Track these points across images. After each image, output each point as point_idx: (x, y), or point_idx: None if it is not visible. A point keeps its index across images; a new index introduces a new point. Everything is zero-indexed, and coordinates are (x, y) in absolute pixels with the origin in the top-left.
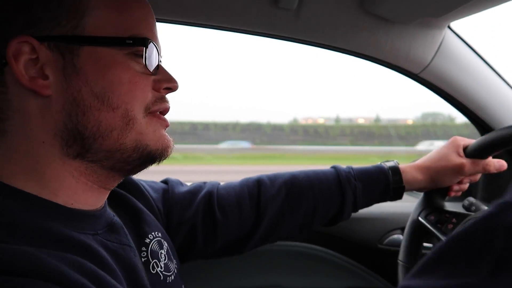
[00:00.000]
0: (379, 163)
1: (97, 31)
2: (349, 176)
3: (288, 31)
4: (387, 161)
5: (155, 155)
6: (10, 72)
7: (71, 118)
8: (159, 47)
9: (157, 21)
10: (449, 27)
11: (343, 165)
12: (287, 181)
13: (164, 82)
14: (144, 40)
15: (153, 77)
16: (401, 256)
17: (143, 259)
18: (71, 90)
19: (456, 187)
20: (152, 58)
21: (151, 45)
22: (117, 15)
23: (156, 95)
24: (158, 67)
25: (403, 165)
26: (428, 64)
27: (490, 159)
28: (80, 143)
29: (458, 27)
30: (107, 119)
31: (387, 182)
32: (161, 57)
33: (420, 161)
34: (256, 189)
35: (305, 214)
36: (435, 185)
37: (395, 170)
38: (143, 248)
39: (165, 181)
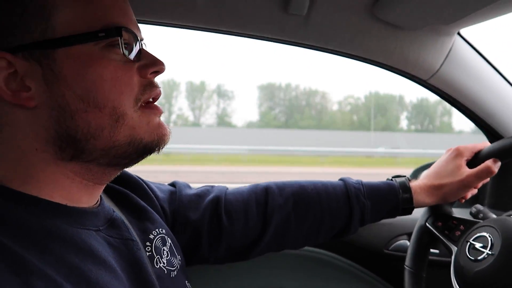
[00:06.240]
0: (390, 178)
1: (67, 29)
2: (358, 193)
3: (298, 36)
4: (398, 176)
5: (152, 146)
6: None
7: (60, 124)
8: (137, 31)
9: (169, 26)
10: (459, 33)
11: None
12: (295, 192)
13: (150, 67)
14: (117, 29)
15: (137, 64)
16: (407, 262)
17: (147, 254)
18: (54, 97)
19: (468, 195)
20: (131, 45)
21: (127, 32)
22: (85, 7)
23: (143, 82)
24: (141, 51)
25: (414, 183)
26: (437, 71)
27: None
28: (74, 146)
29: (468, 33)
30: (95, 120)
31: (397, 202)
32: (141, 40)
33: (429, 180)
34: (264, 197)
35: (311, 226)
36: (445, 202)
37: (406, 188)
38: (148, 243)
39: (173, 184)
